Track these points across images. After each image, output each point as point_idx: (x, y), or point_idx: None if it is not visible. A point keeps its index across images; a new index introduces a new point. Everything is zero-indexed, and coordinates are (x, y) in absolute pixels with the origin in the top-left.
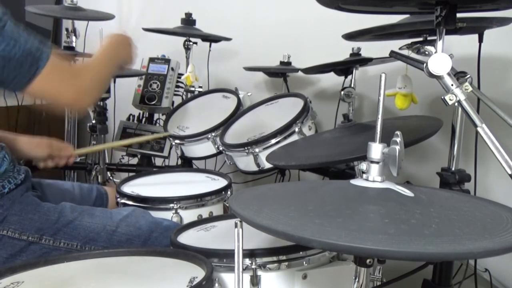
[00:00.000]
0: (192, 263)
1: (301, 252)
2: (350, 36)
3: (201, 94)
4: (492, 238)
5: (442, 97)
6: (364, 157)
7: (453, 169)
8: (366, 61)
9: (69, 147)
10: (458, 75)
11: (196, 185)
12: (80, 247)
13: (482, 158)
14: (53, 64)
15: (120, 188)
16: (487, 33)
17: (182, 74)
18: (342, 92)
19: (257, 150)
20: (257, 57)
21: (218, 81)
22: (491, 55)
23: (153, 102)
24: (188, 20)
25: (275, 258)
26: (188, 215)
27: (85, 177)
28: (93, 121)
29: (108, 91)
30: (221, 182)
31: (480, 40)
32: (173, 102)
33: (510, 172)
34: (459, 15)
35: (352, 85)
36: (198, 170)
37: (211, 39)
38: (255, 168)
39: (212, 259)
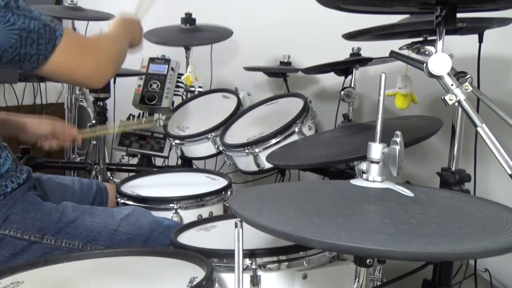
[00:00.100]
0: (192, 263)
1: (301, 252)
2: (350, 36)
3: (201, 94)
4: (492, 238)
5: (442, 97)
6: (364, 157)
7: (453, 169)
8: (366, 61)
9: (72, 128)
10: (458, 75)
11: (196, 185)
12: (82, 247)
13: (482, 158)
14: (69, 35)
15: (120, 188)
16: (487, 33)
17: (182, 74)
18: (342, 92)
19: (257, 150)
20: (257, 57)
21: (218, 81)
22: (491, 55)
23: (153, 102)
24: (188, 20)
25: (275, 258)
26: (188, 215)
27: (85, 177)
28: (93, 121)
29: (108, 91)
30: (221, 182)
31: (480, 40)
32: (173, 102)
33: (510, 172)
34: (459, 15)
35: (352, 85)
36: (198, 170)
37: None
38: (255, 168)
39: (212, 259)
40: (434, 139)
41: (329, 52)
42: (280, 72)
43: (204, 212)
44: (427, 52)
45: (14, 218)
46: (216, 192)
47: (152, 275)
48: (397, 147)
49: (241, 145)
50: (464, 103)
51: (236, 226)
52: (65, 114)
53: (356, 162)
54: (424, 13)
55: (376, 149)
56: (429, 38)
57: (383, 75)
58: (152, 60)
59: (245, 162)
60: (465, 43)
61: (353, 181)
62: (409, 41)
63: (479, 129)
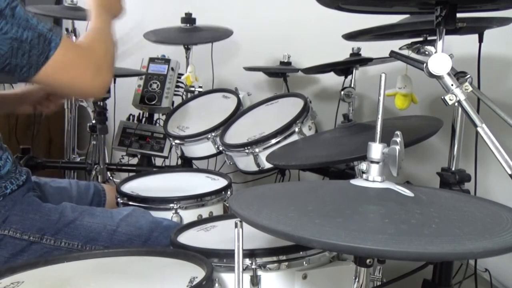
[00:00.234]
0: (192, 263)
1: (301, 252)
2: (350, 36)
3: (201, 94)
4: (492, 238)
5: (442, 97)
6: (364, 157)
7: (453, 169)
8: (366, 61)
9: None
10: (458, 75)
11: (196, 185)
12: (81, 247)
13: (482, 158)
14: (67, 46)
15: (120, 188)
16: (487, 33)
17: (182, 74)
18: (342, 92)
19: (257, 150)
20: (257, 57)
21: (218, 81)
22: (491, 55)
23: (153, 102)
24: (188, 20)
25: (275, 258)
26: (188, 215)
27: (85, 177)
28: (93, 121)
29: (108, 91)
30: (221, 182)
31: (480, 40)
32: (173, 102)
33: (510, 172)
34: (459, 15)
35: (352, 85)
36: (198, 170)
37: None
38: (255, 168)
39: (212, 259)
40: (434, 139)
41: (329, 52)
42: (280, 72)
43: (204, 212)
44: (427, 52)
45: (14, 218)
46: (216, 192)
47: (152, 275)
48: (397, 147)
49: (241, 145)
50: (464, 103)
51: (236, 226)
52: (65, 114)
53: (356, 162)
54: (424, 13)
55: (376, 149)
56: (429, 38)
57: (383, 75)
58: (152, 60)
59: (245, 162)
60: (465, 43)
61: (353, 181)
62: (409, 41)
63: (479, 129)
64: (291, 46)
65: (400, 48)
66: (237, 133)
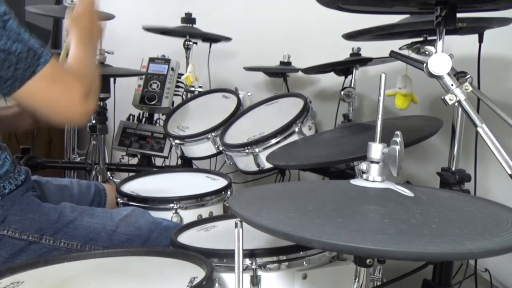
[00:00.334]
0: (192, 263)
1: (301, 252)
2: (350, 36)
3: (201, 94)
4: (492, 238)
5: (442, 97)
6: (364, 157)
7: (453, 169)
8: (366, 61)
9: None
10: (458, 75)
11: (196, 185)
12: (80, 247)
13: (482, 158)
14: (56, 65)
15: (120, 188)
16: (487, 33)
17: (182, 74)
18: (342, 92)
19: (257, 150)
20: (257, 57)
21: (218, 81)
22: (491, 55)
23: (153, 102)
24: (188, 20)
25: (275, 258)
26: (188, 215)
27: (85, 177)
28: (93, 121)
29: (108, 91)
30: (221, 182)
31: (480, 40)
32: (173, 102)
33: (510, 172)
34: (459, 15)
35: (352, 85)
36: (198, 170)
37: (211, 37)
38: (255, 168)
39: (212, 259)
40: (434, 139)
41: (329, 52)
42: (280, 72)
43: (204, 212)
44: (427, 52)
45: (12, 218)
46: (216, 192)
47: (152, 275)
48: (397, 147)
49: (241, 145)
50: (464, 103)
51: (236, 226)
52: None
53: (356, 162)
54: (424, 13)
55: (376, 149)
56: (429, 38)
57: (383, 75)
58: (152, 60)
59: (245, 162)
60: (465, 43)
61: (353, 181)
62: (409, 41)
63: (479, 129)
64: (291, 46)
65: (400, 48)
66: (237, 133)
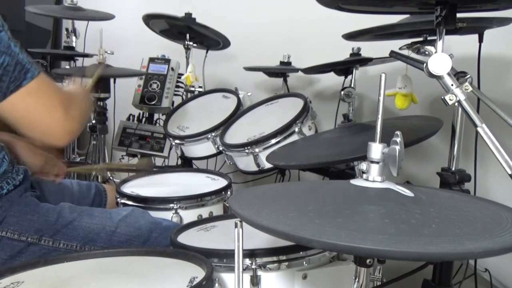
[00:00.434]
0: (192, 263)
1: (301, 252)
2: (350, 36)
3: (201, 94)
4: (492, 238)
5: (442, 97)
6: (364, 157)
7: (453, 169)
8: (366, 61)
9: (63, 165)
10: (458, 75)
11: (196, 185)
12: (80, 248)
13: (482, 158)
14: (44, 80)
15: (120, 188)
16: (487, 33)
17: (182, 74)
18: (342, 92)
19: (257, 150)
20: (257, 57)
21: (218, 81)
22: (491, 55)
23: (153, 102)
24: (188, 20)
25: (275, 258)
26: (188, 215)
27: (85, 177)
28: (93, 121)
29: (108, 91)
30: (221, 182)
31: (480, 40)
32: (173, 102)
33: (510, 172)
34: (459, 15)
35: (352, 85)
36: (198, 170)
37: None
38: (255, 168)
39: (212, 259)
40: (434, 139)
41: (329, 52)
42: (280, 72)
43: (204, 212)
44: (427, 52)
45: (11, 220)
46: (216, 192)
47: (152, 275)
48: (397, 147)
49: (241, 145)
50: (464, 103)
51: (236, 226)
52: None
53: (356, 162)
54: (424, 13)
55: (376, 149)
56: (429, 38)
57: (383, 75)
58: (152, 60)
59: (245, 162)
60: (465, 43)
61: (353, 181)
62: (409, 41)
63: (479, 129)
64: (291, 46)
65: (400, 48)
66: (237, 133)
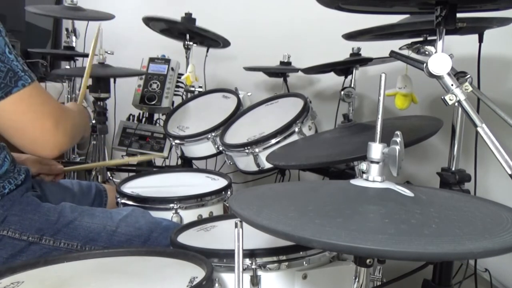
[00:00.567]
0: (192, 263)
1: (301, 252)
2: (350, 36)
3: (201, 94)
4: (492, 238)
5: (442, 97)
6: (364, 157)
7: (453, 169)
8: (366, 61)
9: (58, 164)
10: (458, 75)
11: (196, 185)
12: (80, 247)
13: (482, 158)
14: (37, 89)
15: (120, 188)
16: (487, 33)
17: (182, 74)
18: (342, 92)
19: (257, 150)
20: (257, 57)
21: (218, 81)
22: (491, 55)
23: (153, 102)
24: (188, 20)
25: (275, 258)
26: (188, 215)
27: (85, 177)
28: (93, 121)
29: (108, 91)
30: (221, 182)
31: (480, 40)
32: (173, 102)
33: (510, 172)
34: (459, 15)
35: (352, 85)
36: (198, 170)
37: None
38: (255, 168)
39: (212, 259)
40: (434, 139)
41: (329, 52)
42: (280, 72)
43: (204, 212)
44: (427, 52)
45: (12, 219)
46: (216, 192)
47: (152, 275)
48: (397, 147)
49: (241, 145)
50: (464, 103)
51: (236, 226)
52: None
53: (356, 162)
54: (424, 13)
55: (376, 149)
56: (429, 38)
57: (383, 75)
58: (152, 60)
59: (245, 162)
60: (465, 43)
61: (353, 181)
62: (409, 41)
63: (479, 129)
64: (291, 46)
65: (400, 48)
66: (237, 133)
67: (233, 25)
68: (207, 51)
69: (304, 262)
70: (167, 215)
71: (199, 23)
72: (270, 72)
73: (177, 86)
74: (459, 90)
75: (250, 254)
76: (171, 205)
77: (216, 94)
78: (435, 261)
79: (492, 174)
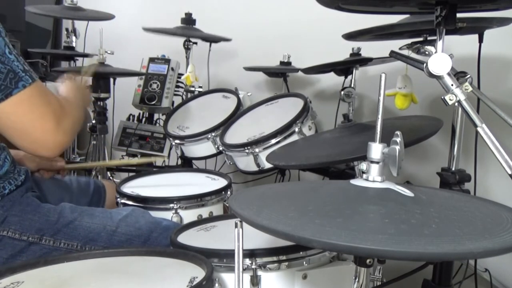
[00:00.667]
0: (192, 263)
1: (301, 252)
2: (350, 36)
3: (201, 94)
4: (492, 238)
5: (442, 97)
6: (364, 157)
7: (453, 169)
8: (366, 61)
9: (59, 160)
10: (458, 75)
11: (196, 185)
12: (80, 248)
13: (482, 158)
14: (38, 89)
15: (120, 188)
16: (487, 33)
17: (182, 74)
18: (342, 92)
19: (257, 150)
20: (257, 57)
21: (218, 81)
22: (491, 55)
23: (153, 102)
24: (188, 20)
25: (275, 258)
26: (188, 215)
27: (85, 175)
28: (93, 121)
29: (108, 91)
30: (221, 182)
31: (480, 40)
32: (173, 102)
33: (510, 172)
34: (459, 15)
35: (352, 85)
36: (198, 170)
37: (211, 39)
38: (255, 168)
39: (212, 259)
40: (434, 139)
41: (329, 52)
42: (280, 72)
43: (204, 212)
44: (427, 52)
45: (12, 219)
46: (216, 192)
47: (152, 275)
48: (397, 147)
49: (241, 145)
50: (464, 103)
51: (236, 226)
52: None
53: (356, 162)
54: (424, 13)
55: (376, 149)
56: (429, 38)
57: (383, 75)
58: (152, 60)
59: (245, 162)
60: (465, 43)
61: (353, 181)
62: (409, 41)
63: (479, 129)
64: (291, 46)
65: (400, 48)
66: (237, 133)
67: (233, 25)
68: (210, 45)
69: (304, 262)
70: (167, 215)
71: (199, 23)
72: (270, 72)
73: (177, 86)
74: (459, 90)
75: (250, 254)
76: (171, 205)
77: (216, 94)
78: (435, 261)
79: (492, 174)
